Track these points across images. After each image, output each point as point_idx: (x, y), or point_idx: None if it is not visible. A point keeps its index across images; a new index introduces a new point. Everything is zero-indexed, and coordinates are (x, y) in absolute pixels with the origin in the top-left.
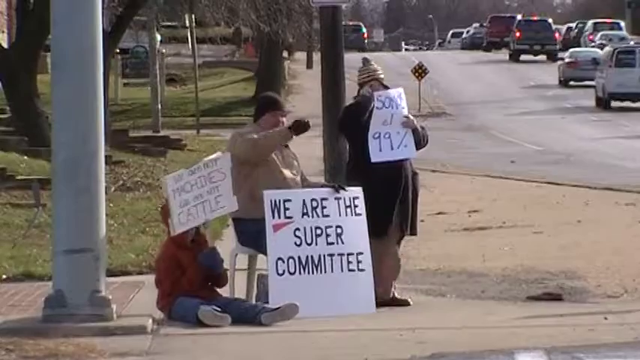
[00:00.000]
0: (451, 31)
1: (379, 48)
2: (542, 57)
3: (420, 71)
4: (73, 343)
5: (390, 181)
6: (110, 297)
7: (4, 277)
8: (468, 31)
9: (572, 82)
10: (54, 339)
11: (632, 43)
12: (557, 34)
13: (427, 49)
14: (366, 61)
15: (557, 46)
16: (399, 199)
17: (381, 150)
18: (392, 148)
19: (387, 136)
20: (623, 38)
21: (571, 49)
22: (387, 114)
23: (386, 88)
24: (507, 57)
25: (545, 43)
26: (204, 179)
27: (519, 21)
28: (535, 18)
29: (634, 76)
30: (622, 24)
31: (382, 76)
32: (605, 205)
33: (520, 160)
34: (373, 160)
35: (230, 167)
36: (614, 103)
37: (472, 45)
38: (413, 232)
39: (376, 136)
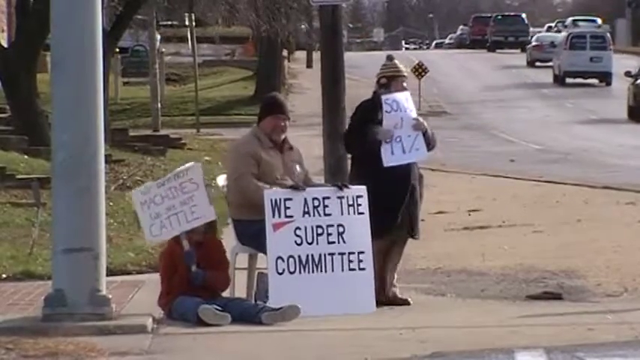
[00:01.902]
0: (434, 42)
1: (379, 47)
2: (517, 50)
3: (419, 70)
4: (73, 342)
5: (398, 182)
6: (110, 296)
7: (3, 276)
8: (450, 38)
9: (537, 63)
10: (54, 338)
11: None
12: (530, 28)
13: (427, 48)
14: (390, 58)
15: (530, 38)
16: (405, 201)
17: (393, 154)
18: (404, 152)
19: (398, 139)
20: (576, 25)
21: (537, 34)
22: (397, 117)
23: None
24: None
25: (518, 35)
26: (175, 190)
27: (496, 16)
28: (510, 13)
29: (585, 57)
30: (599, 21)
31: (405, 74)
32: (605, 204)
33: (520, 159)
34: (386, 164)
35: (202, 177)
36: (568, 80)
37: (460, 44)
38: (415, 235)
39: (388, 140)
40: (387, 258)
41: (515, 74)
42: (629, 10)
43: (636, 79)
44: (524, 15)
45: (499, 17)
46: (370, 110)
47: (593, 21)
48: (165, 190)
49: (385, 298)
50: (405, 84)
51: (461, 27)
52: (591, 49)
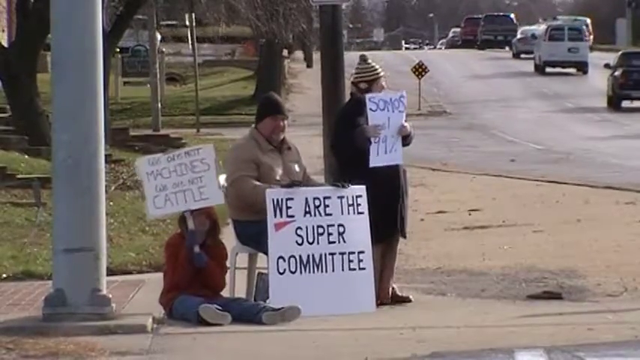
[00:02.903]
0: (427, 48)
1: (379, 47)
2: (506, 48)
3: (420, 70)
4: (73, 341)
5: (388, 184)
6: (110, 296)
7: (4, 276)
8: (442, 43)
9: (523, 55)
10: (54, 338)
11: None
12: (518, 27)
13: (427, 48)
14: (364, 58)
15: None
16: (399, 201)
17: (377, 154)
18: (385, 152)
19: (384, 139)
20: (554, 18)
21: (522, 28)
22: (384, 117)
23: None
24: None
25: (506, 34)
26: (184, 167)
27: (485, 15)
28: (499, 14)
29: (563, 48)
30: (588, 21)
31: (382, 73)
32: (605, 203)
33: (520, 159)
34: (372, 164)
35: (214, 158)
36: (548, 69)
37: (451, 46)
38: (404, 234)
39: (375, 140)
40: (383, 260)
41: (502, 65)
42: (629, 10)
43: (614, 71)
44: (512, 15)
45: (488, 17)
46: (351, 114)
47: (583, 21)
48: (174, 165)
49: (384, 299)
50: (384, 83)
51: (452, 30)
52: (569, 40)
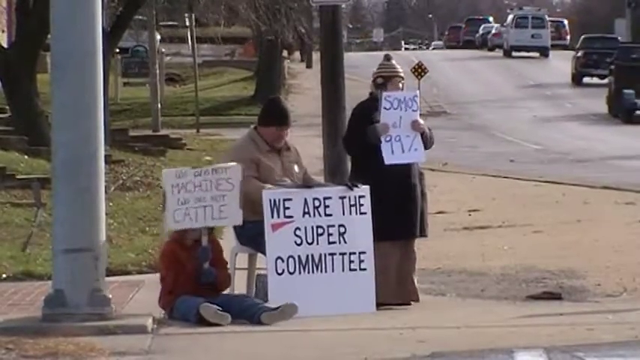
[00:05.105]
0: (425, 48)
1: (379, 47)
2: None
3: (419, 70)
4: (73, 342)
5: (399, 182)
6: (110, 296)
7: (4, 276)
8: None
9: (497, 50)
10: (54, 338)
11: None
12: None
13: (426, 48)
14: (387, 57)
15: None
16: (409, 201)
17: (393, 153)
18: (403, 151)
19: (397, 139)
20: (520, 8)
21: (496, 25)
22: (396, 116)
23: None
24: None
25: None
26: (209, 184)
27: (467, 19)
28: (479, 17)
29: (527, 34)
30: (565, 21)
31: (402, 75)
32: (605, 203)
33: (519, 159)
34: (387, 162)
35: (240, 179)
36: (514, 53)
37: None
38: (423, 234)
39: (387, 139)
40: (400, 259)
41: (477, 54)
42: (629, 10)
43: (577, 53)
44: (491, 18)
45: (470, 20)
46: (368, 111)
47: (561, 22)
48: (200, 181)
49: (414, 299)
50: (401, 84)
51: (434, 43)
52: (532, 27)
